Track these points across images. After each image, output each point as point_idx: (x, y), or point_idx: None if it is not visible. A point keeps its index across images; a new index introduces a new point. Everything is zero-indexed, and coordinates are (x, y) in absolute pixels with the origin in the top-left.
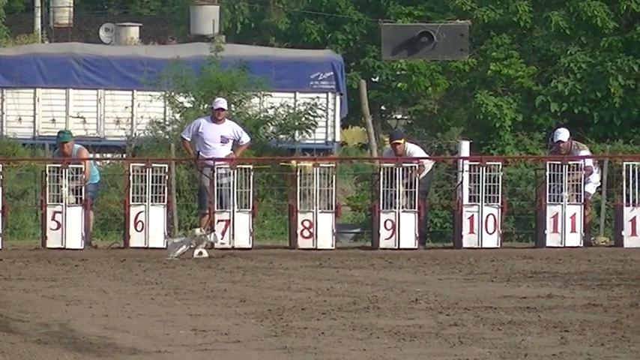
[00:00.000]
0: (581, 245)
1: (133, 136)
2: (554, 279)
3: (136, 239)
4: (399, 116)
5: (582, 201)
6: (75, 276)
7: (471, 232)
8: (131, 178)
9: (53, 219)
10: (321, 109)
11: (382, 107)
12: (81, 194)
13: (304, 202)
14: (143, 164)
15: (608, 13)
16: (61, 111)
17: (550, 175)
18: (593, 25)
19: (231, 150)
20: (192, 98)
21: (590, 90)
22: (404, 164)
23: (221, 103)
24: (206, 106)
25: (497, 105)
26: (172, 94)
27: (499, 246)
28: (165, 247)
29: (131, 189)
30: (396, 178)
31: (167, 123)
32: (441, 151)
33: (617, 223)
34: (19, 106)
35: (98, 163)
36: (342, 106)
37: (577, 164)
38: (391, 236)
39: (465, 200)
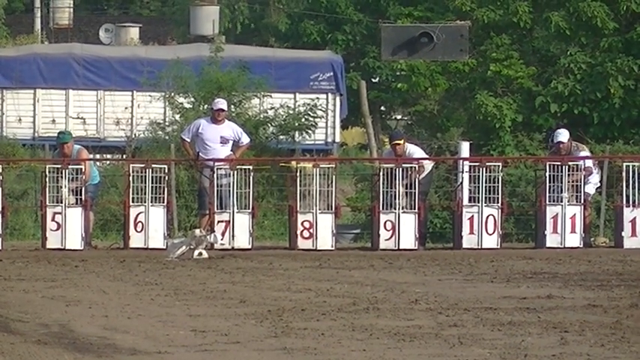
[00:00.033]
0: (581, 246)
1: (133, 136)
2: (554, 280)
3: (135, 240)
4: (399, 117)
5: (582, 202)
6: (75, 276)
7: (471, 232)
8: (131, 178)
9: (53, 220)
10: (320, 109)
11: (382, 108)
12: (81, 195)
13: (304, 203)
14: (143, 165)
15: (608, 13)
16: (61, 111)
17: (550, 175)
18: (593, 25)
19: (231, 151)
20: (192, 99)
21: (590, 90)
22: (404, 165)
23: (221, 103)
24: (206, 106)
25: (497, 105)
26: (172, 94)
27: (499, 247)
28: (165, 247)
29: (131, 190)
30: (395, 179)
31: (167, 124)
32: (440, 151)
33: (617, 223)
34: (19, 106)
35: (98, 163)
36: (342, 107)
37: (577, 165)
38: (391, 237)
39: (465, 201)
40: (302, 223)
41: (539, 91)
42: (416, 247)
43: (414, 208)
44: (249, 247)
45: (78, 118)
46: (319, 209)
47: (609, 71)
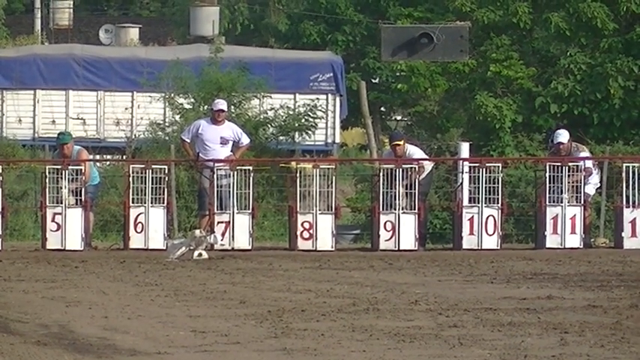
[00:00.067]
0: (581, 246)
1: (133, 137)
2: (554, 280)
3: (135, 240)
4: (399, 117)
5: (582, 202)
6: (75, 277)
7: (471, 233)
8: (131, 179)
9: (53, 220)
10: (320, 110)
11: (382, 108)
12: (81, 195)
13: (304, 204)
14: (143, 165)
15: (608, 14)
16: (61, 112)
17: (550, 176)
18: (593, 26)
19: (231, 151)
20: (192, 99)
21: (590, 91)
22: (404, 165)
23: (221, 104)
24: (206, 107)
25: (497, 106)
26: (172, 95)
27: (499, 247)
28: (165, 248)
29: (131, 190)
30: (395, 180)
31: (167, 124)
32: (440, 152)
33: (617, 224)
34: (19, 107)
35: (98, 164)
36: (342, 108)
37: (577, 166)
38: (391, 237)
39: (465, 201)
40: (302, 224)
41: (539, 91)
42: (416, 248)
43: (414, 209)
44: (249, 247)
45: (78, 118)
46: (319, 210)
47: (609, 72)
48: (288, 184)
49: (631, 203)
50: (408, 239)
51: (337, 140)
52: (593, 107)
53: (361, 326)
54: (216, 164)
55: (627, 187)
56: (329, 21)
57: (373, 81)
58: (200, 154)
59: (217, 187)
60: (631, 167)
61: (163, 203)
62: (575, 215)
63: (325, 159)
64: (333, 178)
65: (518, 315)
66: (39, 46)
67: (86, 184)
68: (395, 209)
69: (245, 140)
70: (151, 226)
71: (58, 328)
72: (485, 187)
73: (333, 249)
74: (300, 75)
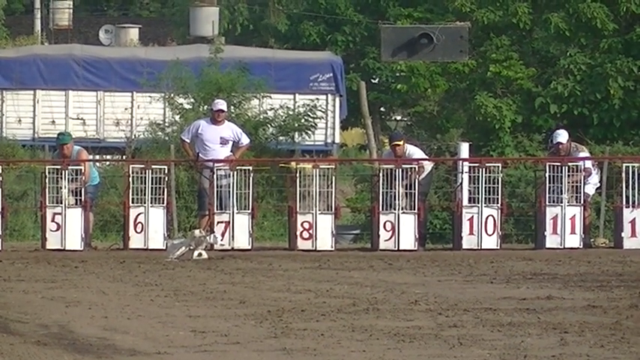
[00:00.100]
0: (581, 247)
1: (133, 137)
2: (554, 280)
3: (135, 241)
4: (399, 118)
5: (582, 202)
6: (74, 277)
7: (471, 233)
8: (131, 179)
9: (53, 220)
10: (320, 110)
11: (382, 109)
12: (80, 196)
13: (304, 204)
14: (143, 166)
15: (607, 14)
16: (61, 112)
17: (550, 176)
18: (593, 26)
19: (231, 151)
20: (192, 100)
21: (590, 91)
22: (403, 165)
23: (220, 104)
24: (205, 107)
25: (497, 106)
26: (172, 95)
27: (499, 247)
28: (164, 248)
29: (131, 190)
30: (395, 180)
31: (167, 124)
32: (440, 152)
33: (617, 224)
34: (19, 107)
35: (98, 164)
36: (342, 108)
37: (576, 166)
38: (391, 238)
39: (465, 202)
40: (302, 224)
41: (538, 92)
42: (416, 248)
43: (414, 209)
44: (249, 247)
45: (78, 119)
46: (319, 210)
47: (609, 72)
48: (287, 184)
49: (631, 203)
50: (408, 239)
51: (337, 140)
52: (592, 107)
53: (361, 326)
54: (215, 164)
55: (627, 187)
56: (329, 21)
57: (373, 81)
58: (200, 154)
59: (217, 187)
60: (631, 167)
61: (163, 203)
62: (574, 215)
63: (325, 159)
64: (333, 178)
65: (517, 315)
66: (39, 46)
67: (86, 184)
68: (395, 209)
69: (245, 140)
70: (150, 226)
71: (57, 328)
72: (485, 188)
73: (333, 249)
74: (299, 75)
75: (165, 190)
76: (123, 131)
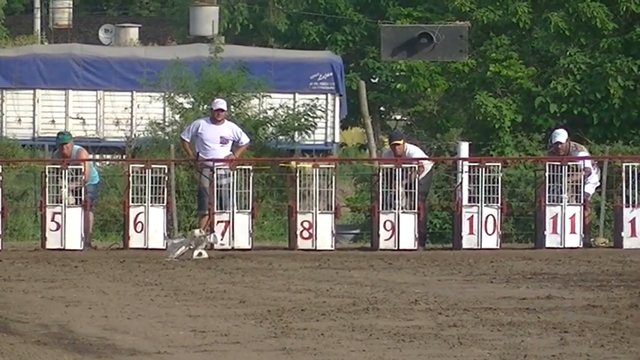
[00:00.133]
0: (581, 246)
1: (133, 137)
2: (554, 280)
3: (135, 240)
4: (399, 117)
5: (582, 202)
6: (74, 277)
7: (471, 233)
8: (131, 179)
9: (53, 220)
10: (320, 110)
11: (381, 108)
12: (80, 195)
13: (304, 203)
14: (143, 165)
15: (607, 14)
16: (61, 112)
17: (549, 176)
18: (593, 26)
19: (231, 151)
20: (192, 99)
21: (590, 91)
22: (403, 165)
23: (220, 104)
24: (205, 107)
25: (497, 106)
26: (172, 95)
27: (498, 247)
28: (164, 248)
29: (131, 190)
30: (395, 179)
31: (166, 124)
32: (440, 152)
33: (617, 224)
34: (19, 107)
35: (98, 164)
36: (342, 107)
37: (576, 165)
38: (391, 237)
39: (465, 201)
40: (301, 224)
41: (538, 91)
42: (415, 248)
43: (414, 209)
44: (249, 247)
45: (77, 118)
46: (319, 209)
47: (609, 72)
48: (287, 184)
49: (630, 203)
50: (408, 239)
51: (337, 140)
52: (592, 107)
53: (361, 326)
54: (215, 164)
55: (627, 186)
56: (328, 21)
57: (373, 81)
58: (200, 154)
59: (217, 186)
60: (630, 167)
61: (163, 203)
62: (574, 215)
63: (325, 158)
64: (333, 177)
65: (517, 315)
66: (38, 45)
67: (86, 184)
68: (394, 209)
69: (245, 140)
70: (150, 226)
71: (57, 328)
72: (485, 187)
73: (333, 248)
74: (299, 75)
75: (165, 189)
76: (123, 131)
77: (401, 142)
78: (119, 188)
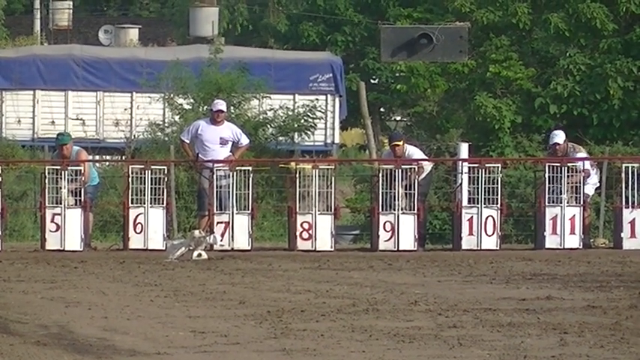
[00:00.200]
0: (581, 247)
1: (132, 137)
2: (554, 281)
3: (135, 241)
4: (398, 118)
5: (581, 203)
6: (74, 278)
7: (470, 233)
8: (130, 179)
9: (52, 221)
10: (320, 110)
11: (381, 109)
12: (80, 196)
13: (303, 204)
14: (142, 166)
15: (607, 14)
16: (61, 113)
17: (549, 177)
18: (593, 26)
19: (231, 152)
20: (192, 100)
21: (590, 92)
22: (403, 166)
23: (220, 104)
24: (205, 107)
25: (497, 107)
26: (172, 95)
27: (498, 248)
28: (164, 248)
29: (130, 191)
30: (395, 180)
31: (166, 125)
32: (440, 152)
33: (617, 225)
34: (19, 107)
35: (97, 164)
36: (342, 108)
37: (575, 167)
38: (390, 238)
39: (465, 202)
40: (301, 224)
41: (538, 92)
42: (415, 248)
43: (414, 209)
44: (249, 248)
45: (77, 119)
46: (318, 210)
47: (608, 72)
48: (287, 185)
49: (630, 204)
50: (408, 240)
51: (336, 141)
52: (592, 108)
53: (361, 327)
54: (215, 165)
55: (626, 187)
56: (328, 22)
57: (373, 81)
58: (199, 155)
59: (217, 187)
60: (630, 168)
61: (163, 204)
62: (574, 216)
63: (324, 159)
64: (333, 178)
65: (517, 315)
66: (38, 46)
67: (85, 185)
68: (394, 210)
69: (244, 141)
70: (150, 227)
71: (57, 329)
72: (485, 188)
73: (333, 249)
74: (299, 75)
75: (165, 190)
76: (122, 132)
77: (401, 143)
78: (119, 189)
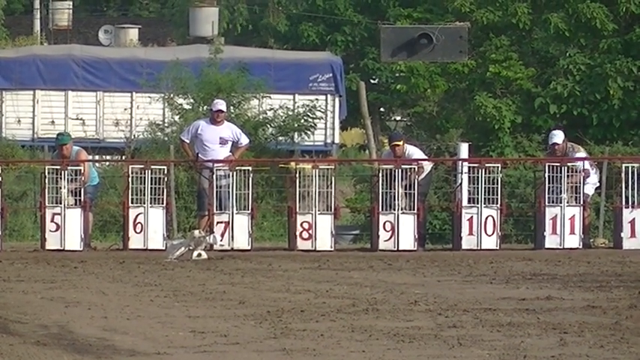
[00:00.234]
0: (580, 247)
1: (132, 137)
2: (554, 281)
3: (135, 241)
4: (398, 118)
5: (581, 203)
6: (74, 278)
7: (470, 233)
8: (130, 179)
9: (52, 221)
10: (320, 110)
11: (381, 109)
12: (80, 196)
13: (303, 204)
14: (142, 166)
15: (607, 14)
16: (60, 113)
17: (549, 176)
18: (593, 26)
19: (230, 152)
20: (192, 100)
21: (590, 92)
22: (403, 166)
23: (220, 104)
24: (205, 107)
25: (497, 107)
26: (171, 95)
27: (498, 248)
28: (164, 248)
29: (130, 191)
30: (395, 180)
31: (166, 125)
32: (440, 152)
33: (616, 224)
34: (19, 107)
35: (97, 164)
36: (341, 108)
37: (575, 167)
38: (390, 238)
39: (464, 202)
40: (301, 224)
41: (538, 92)
42: (415, 248)
43: (414, 209)
44: (249, 248)
45: (77, 119)
46: (318, 210)
47: (608, 72)
48: (287, 185)
49: (630, 204)
50: (408, 239)
51: (336, 141)
52: (592, 108)
53: (360, 327)
54: (215, 165)
55: (626, 187)
56: (328, 22)
57: (372, 81)
58: (199, 155)
59: (217, 187)
60: (630, 168)
61: (162, 204)
62: (574, 215)
63: (324, 159)
64: (333, 178)
65: (517, 315)
66: (38, 46)
67: (85, 185)
68: (394, 210)
69: (244, 140)
70: (150, 227)
71: (57, 329)
72: (485, 188)
73: (333, 249)
74: (299, 75)
75: (165, 190)
76: (122, 131)
77: (401, 142)
78: (119, 189)
